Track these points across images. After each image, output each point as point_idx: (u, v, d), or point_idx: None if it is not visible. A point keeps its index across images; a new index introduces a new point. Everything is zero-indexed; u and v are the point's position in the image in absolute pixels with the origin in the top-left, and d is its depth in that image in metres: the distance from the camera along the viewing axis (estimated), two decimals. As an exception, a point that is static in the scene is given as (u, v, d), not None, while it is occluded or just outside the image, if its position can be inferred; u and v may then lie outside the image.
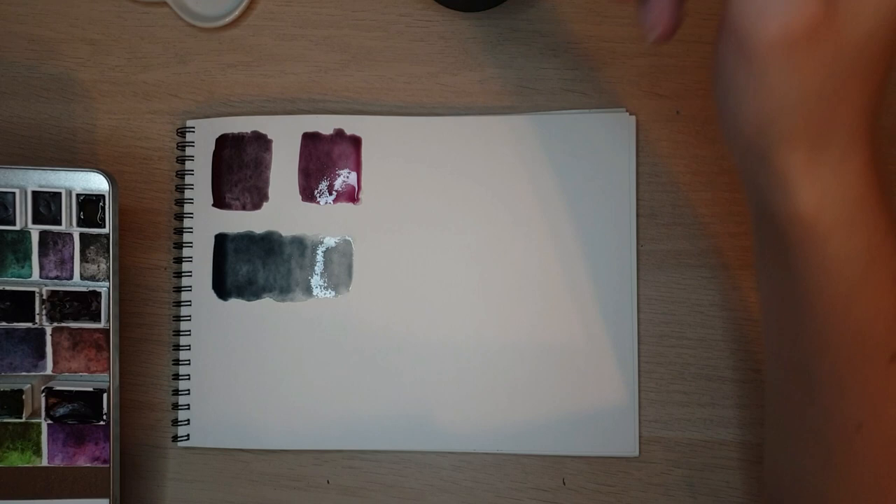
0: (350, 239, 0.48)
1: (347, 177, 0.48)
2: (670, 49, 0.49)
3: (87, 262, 0.45)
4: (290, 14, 0.49)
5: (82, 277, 0.45)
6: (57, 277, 0.45)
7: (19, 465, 0.45)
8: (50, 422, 0.45)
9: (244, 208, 0.48)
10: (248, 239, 0.48)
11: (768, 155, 0.28)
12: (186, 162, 0.49)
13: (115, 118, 0.49)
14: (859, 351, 0.32)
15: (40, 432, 0.45)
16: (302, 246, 0.48)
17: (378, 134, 0.48)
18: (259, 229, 0.48)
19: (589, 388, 0.47)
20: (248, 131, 0.48)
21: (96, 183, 0.44)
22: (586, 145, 0.48)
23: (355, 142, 0.48)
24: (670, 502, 0.48)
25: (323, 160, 0.48)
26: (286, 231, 0.48)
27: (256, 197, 0.48)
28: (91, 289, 0.44)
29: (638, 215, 0.48)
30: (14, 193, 0.44)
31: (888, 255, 0.30)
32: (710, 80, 0.28)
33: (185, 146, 0.49)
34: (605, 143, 0.48)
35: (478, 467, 0.48)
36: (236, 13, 0.48)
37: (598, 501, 0.47)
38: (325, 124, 0.48)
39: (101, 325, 0.44)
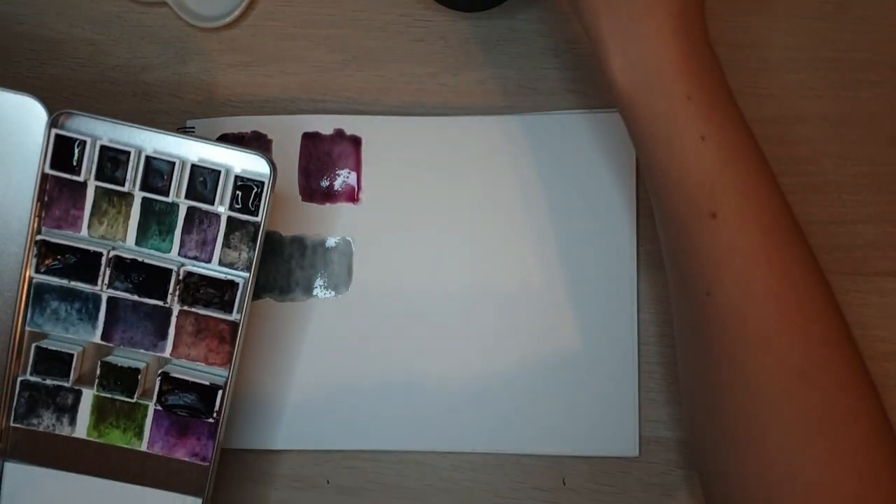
0: (350, 239, 0.48)
1: (347, 177, 0.48)
2: (670, 49, 0.49)
3: (228, 247, 0.43)
4: (290, 14, 0.49)
5: (221, 263, 0.43)
6: (195, 258, 0.43)
7: (119, 445, 0.44)
8: (159, 407, 0.43)
9: (244, 208, 0.48)
10: (248, 239, 0.48)
11: (593, 23, 0.34)
12: (186, 162, 0.49)
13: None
14: (688, 211, 0.35)
15: (146, 415, 0.43)
16: (302, 246, 0.48)
17: (378, 134, 0.48)
18: (259, 229, 0.48)
19: (589, 388, 0.47)
20: (248, 131, 0.48)
21: (258, 167, 0.42)
22: (587, 145, 0.48)
23: (355, 142, 0.48)
24: (670, 502, 0.48)
25: (323, 160, 0.48)
26: (286, 231, 0.48)
27: (256, 197, 0.48)
28: (229, 277, 0.42)
29: (638, 215, 0.48)
30: (174, 163, 0.41)
31: (691, 117, 0.35)
32: None
33: (185, 146, 0.49)
34: (605, 143, 0.48)
35: (477, 467, 0.48)
36: (236, 13, 0.48)
37: (598, 501, 0.47)
38: (324, 124, 0.48)
39: (232, 317, 0.43)
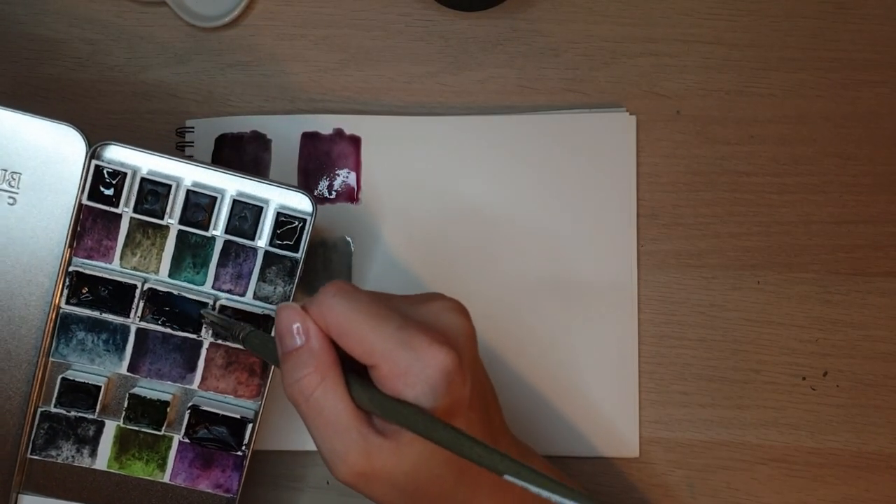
0: (350, 239, 0.48)
1: (347, 177, 0.48)
2: (671, 49, 0.49)
3: (264, 281, 0.42)
4: (289, 14, 0.49)
5: (255, 297, 0.42)
6: (230, 291, 0.42)
7: (140, 476, 0.43)
8: (185, 439, 0.42)
9: (244, 208, 0.48)
10: (248, 239, 0.48)
11: None
12: (186, 162, 0.48)
13: (114, 118, 0.49)
14: None
15: (170, 447, 0.43)
16: (301, 246, 0.48)
17: (378, 134, 0.48)
18: (258, 229, 0.48)
19: (589, 388, 0.47)
20: (248, 131, 0.48)
21: (299, 204, 0.42)
22: (586, 145, 0.48)
23: (355, 141, 0.48)
24: (670, 502, 0.47)
25: (322, 160, 0.48)
26: (286, 231, 0.48)
27: (256, 197, 0.48)
28: (265, 312, 0.42)
29: (638, 215, 0.48)
30: (215, 198, 0.41)
31: None
32: None
33: (184, 146, 0.48)
34: (605, 143, 0.48)
35: (477, 468, 0.48)
36: (236, 13, 0.48)
37: (597, 502, 0.47)
38: (324, 124, 0.48)
39: None
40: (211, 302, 0.42)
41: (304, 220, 0.42)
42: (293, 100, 0.49)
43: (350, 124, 0.48)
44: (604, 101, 0.49)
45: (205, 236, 0.42)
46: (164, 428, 0.42)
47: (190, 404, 0.42)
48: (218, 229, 0.42)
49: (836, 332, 0.48)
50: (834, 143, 0.48)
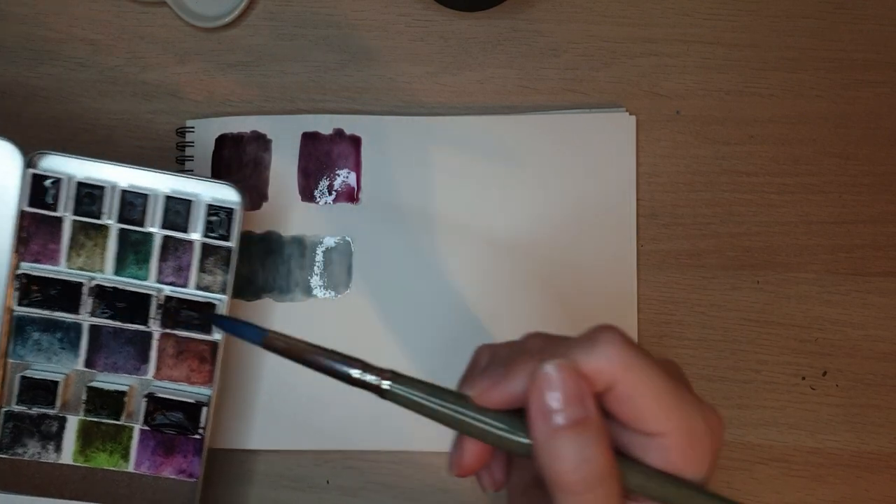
0: (350, 239, 0.48)
1: (347, 177, 0.48)
2: (670, 49, 0.49)
3: (204, 272, 0.44)
4: (289, 14, 0.49)
5: (198, 287, 0.44)
6: (173, 283, 0.44)
7: (106, 468, 0.44)
8: (145, 428, 0.44)
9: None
10: (248, 239, 0.48)
11: None
12: (186, 162, 0.48)
13: (114, 118, 0.49)
14: None
15: (131, 437, 0.44)
16: (301, 246, 0.48)
17: (378, 134, 0.48)
18: (258, 229, 0.48)
19: (589, 388, 0.47)
20: (248, 131, 0.48)
21: (227, 195, 0.44)
22: (586, 145, 0.48)
23: (355, 141, 0.48)
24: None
25: (322, 160, 0.48)
26: (285, 231, 0.48)
27: (255, 197, 0.48)
28: (208, 300, 0.44)
29: (638, 215, 0.48)
30: (148, 196, 0.43)
31: None
32: None
33: (184, 146, 0.48)
34: (605, 143, 0.48)
35: (477, 468, 0.48)
36: (236, 13, 0.48)
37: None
38: (324, 124, 0.48)
39: (212, 337, 0.44)
40: (156, 293, 0.43)
41: (233, 210, 0.44)
42: (293, 100, 0.49)
43: (350, 124, 0.48)
44: (604, 101, 0.49)
45: (143, 232, 0.44)
46: (123, 418, 0.44)
47: (146, 392, 0.44)
48: (155, 225, 0.44)
49: (836, 332, 0.48)
50: (834, 143, 0.48)
